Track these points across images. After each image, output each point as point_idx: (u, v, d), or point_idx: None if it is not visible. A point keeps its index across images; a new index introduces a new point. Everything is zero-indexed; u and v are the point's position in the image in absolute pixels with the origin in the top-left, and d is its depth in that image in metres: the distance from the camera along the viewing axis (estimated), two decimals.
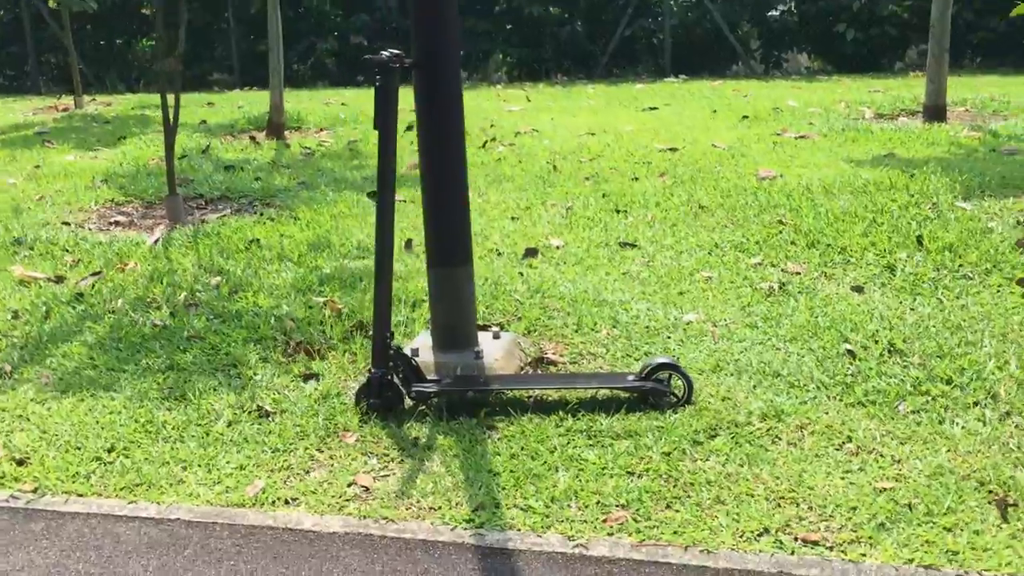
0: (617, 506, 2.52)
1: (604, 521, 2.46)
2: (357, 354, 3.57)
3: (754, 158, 6.53)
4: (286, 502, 2.66)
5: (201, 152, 7.56)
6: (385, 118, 3.02)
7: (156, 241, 5.03)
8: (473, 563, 2.31)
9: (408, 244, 4.81)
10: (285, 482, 2.77)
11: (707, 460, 2.72)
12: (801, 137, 7.27)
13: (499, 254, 4.65)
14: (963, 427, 2.82)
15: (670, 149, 6.97)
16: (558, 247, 4.71)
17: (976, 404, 2.96)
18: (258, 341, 3.74)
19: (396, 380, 3.14)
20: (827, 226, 4.70)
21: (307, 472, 2.81)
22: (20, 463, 2.92)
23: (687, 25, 13.80)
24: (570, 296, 3.99)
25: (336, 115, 9.49)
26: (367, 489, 2.70)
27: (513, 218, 5.31)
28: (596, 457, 2.77)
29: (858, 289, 3.95)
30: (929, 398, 3.01)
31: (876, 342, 3.41)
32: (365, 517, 2.55)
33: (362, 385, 3.15)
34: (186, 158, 7.26)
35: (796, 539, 2.33)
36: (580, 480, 2.65)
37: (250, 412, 3.18)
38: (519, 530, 2.44)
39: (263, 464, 2.86)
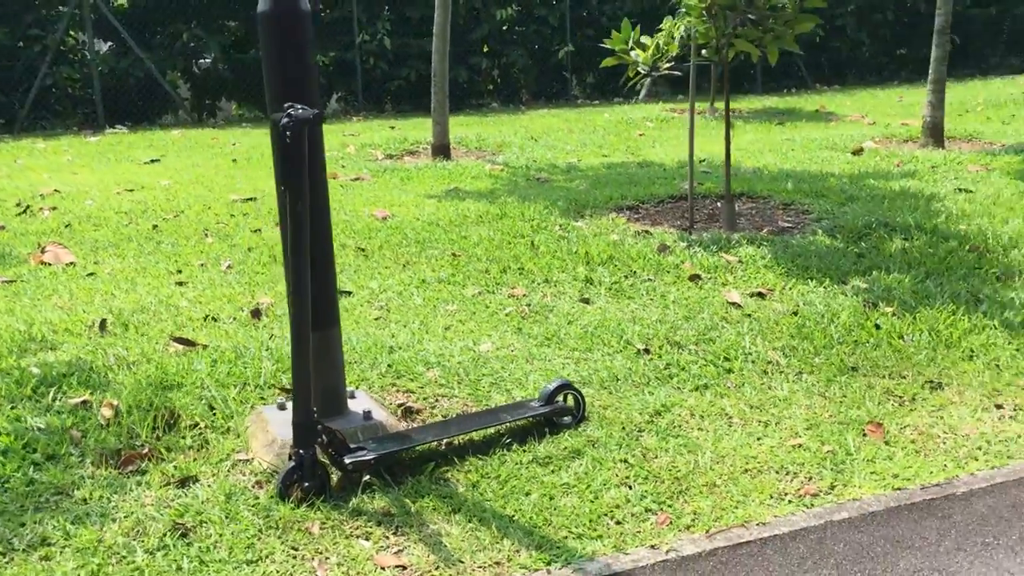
0: (647, 511, 2.77)
1: (656, 525, 2.69)
2: (209, 444, 3.16)
3: (339, 200, 6.76)
4: None
5: None
6: (300, 176, 2.80)
7: None
8: None
9: (103, 324, 4.21)
10: None
11: (661, 456, 3.07)
12: (357, 179, 7.67)
13: (232, 319, 4.32)
14: (785, 389, 3.57)
15: (248, 199, 6.86)
16: (270, 305, 4.52)
17: (766, 372, 3.74)
18: (52, 459, 3.08)
19: (323, 457, 2.91)
20: (497, 252, 5.22)
21: (313, 573, 2.53)
22: None
23: (118, 74, 13.14)
24: (350, 346, 3.94)
25: None
26: (404, 568, 2.54)
27: (179, 283, 4.89)
28: (574, 478, 2.95)
29: (586, 301, 4.55)
30: (736, 373, 3.72)
31: (653, 339, 4.03)
32: None
33: (290, 469, 2.86)
34: None
35: (802, 495, 2.83)
36: (587, 499, 2.82)
37: (165, 535, 2.68)
38: (605, 555, 2.56)
39: None
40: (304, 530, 2.70)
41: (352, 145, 9.52)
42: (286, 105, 2.80)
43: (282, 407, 3.31)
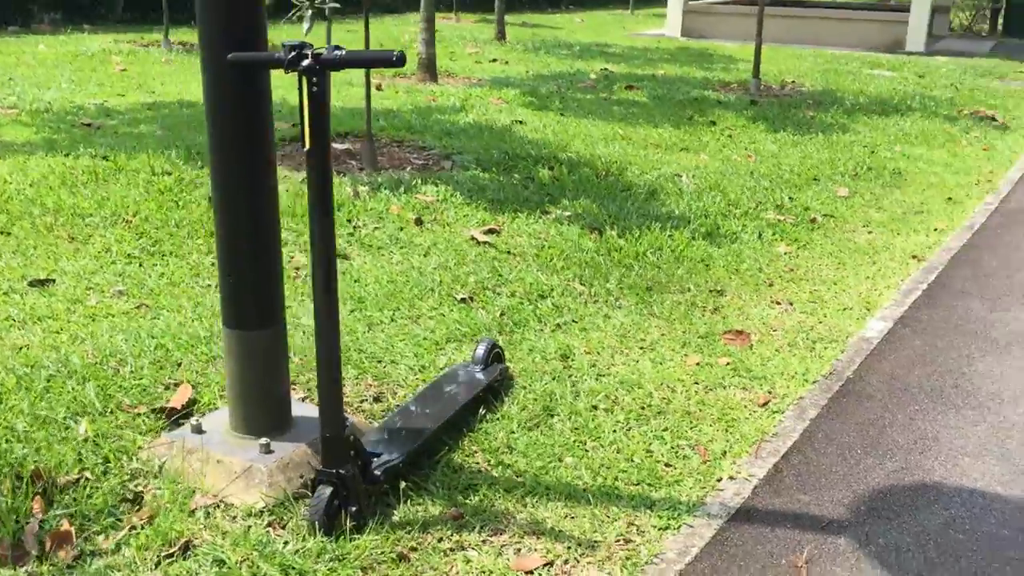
0: (678, 448, 2.83)
1: (703, 460, 2.78)
2: (143, 497, 2.40)
3: None
4: None
5: None
6: (327, 133, 2.23)
7: None
8: (756, 532, 2.42)
9: None
10: None
11: (621, 397, 3.11)
12: None
13: None
14: (621, 316, 3.80)
15: None
16: None
17: (586, 303, 3.93)
18: None
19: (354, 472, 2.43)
20: (175, 214, 4.50)
21: None
22: None
23: None
24: (157, 341, 3.20)
25: None
26: (551, 564, 2.30)
27: None
28: (581, 435, 2.86)
29: (344, 257, 4.20)
30: (568, 309, 3.84)
31: (457, 287, 3.93)
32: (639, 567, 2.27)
33: (329, 496, 2.32)
34: None
35: (763, 404, 3.14)
36: (613, 452, 2.78)
37: None
38: (704, 499, 2.59)
39: None
40: (397, 558, 2.25)
41: None
42: (288, 43, 2.20)
43: (198, 430, 2.61)
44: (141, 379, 2.95)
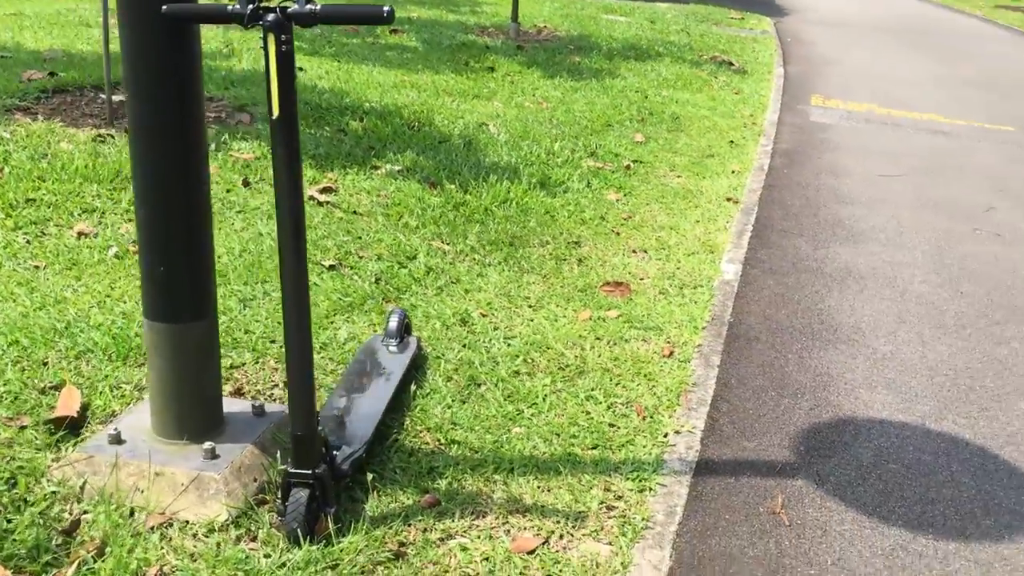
0: (613, 407, 2.83)
1: (640, 416, 2.80)
2: (79, 526, 2.08)
3: None
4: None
5: None
6: (294, 107, 1.97)
7: None
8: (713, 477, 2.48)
9: None
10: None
11: (536, 358, 3.06)
12: None
13: None
14: (493, 273, 3.74)
15: None
16: None
17: (453, 262, 3.83)
18: None
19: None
20: None
21: None
22: None
23: None
24: (21, 333, 2.77)
25: None
26: (547, 541, 2.24)
27: None
28: (517, 402, 2.79)
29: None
30: (440, 271, 3.72)
31: (318, 253, 3.70)
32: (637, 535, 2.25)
33: (308, 499, 2.12)
34: None
35: (669, 355, 3.20)
36: (552, 418, 2.74)
37: None
38: (663, 454, 2.61)
39: None
40: (394, 557, 2.10)
41: None
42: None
43: (117, 439, 2.28)
44: (7, 384, 2.52)
